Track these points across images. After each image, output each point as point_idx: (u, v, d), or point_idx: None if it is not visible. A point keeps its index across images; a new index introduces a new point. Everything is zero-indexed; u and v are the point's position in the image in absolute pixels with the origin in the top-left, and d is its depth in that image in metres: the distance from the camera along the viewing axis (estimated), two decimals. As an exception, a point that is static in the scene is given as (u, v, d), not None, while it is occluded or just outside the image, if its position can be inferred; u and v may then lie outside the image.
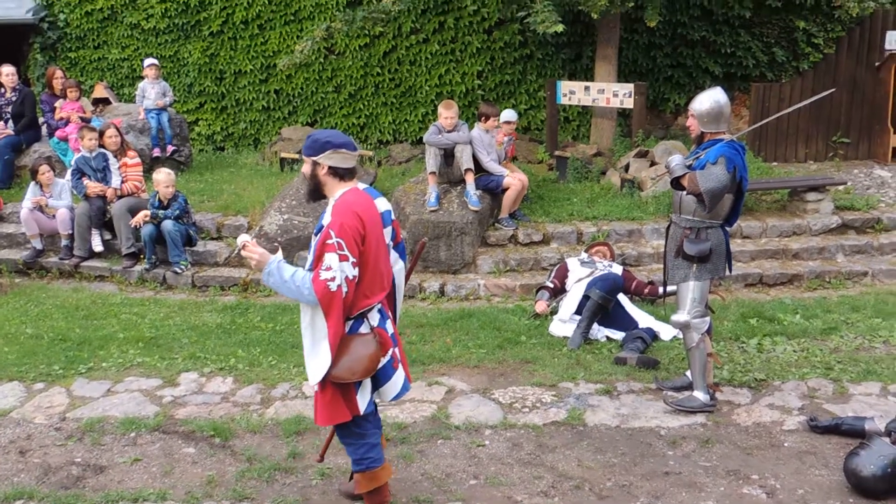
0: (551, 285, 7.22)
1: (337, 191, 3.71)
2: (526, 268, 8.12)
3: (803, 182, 9.19)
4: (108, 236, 8.60)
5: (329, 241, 3.49)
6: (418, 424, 5.14)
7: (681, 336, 5.55)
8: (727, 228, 5.29)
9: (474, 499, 4.30)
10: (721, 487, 4.38)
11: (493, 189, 8.52)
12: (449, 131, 8.25)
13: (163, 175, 8.11)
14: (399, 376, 3.87)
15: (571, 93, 10.76)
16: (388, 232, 3.83)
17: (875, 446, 4.26)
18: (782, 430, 5.00)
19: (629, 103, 10.28)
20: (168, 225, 7.97)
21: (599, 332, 6.62)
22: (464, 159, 8.22)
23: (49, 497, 4.34)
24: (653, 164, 9.57)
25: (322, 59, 12.56)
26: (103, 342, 6.58)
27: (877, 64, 11.14)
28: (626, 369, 5.92)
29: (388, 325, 3.85)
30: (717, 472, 4.53)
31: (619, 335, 6.54)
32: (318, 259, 3.52)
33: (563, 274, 7.28)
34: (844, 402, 5.34)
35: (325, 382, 3.66)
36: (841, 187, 9.45)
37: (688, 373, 5.48)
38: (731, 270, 5.39)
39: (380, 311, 3.79)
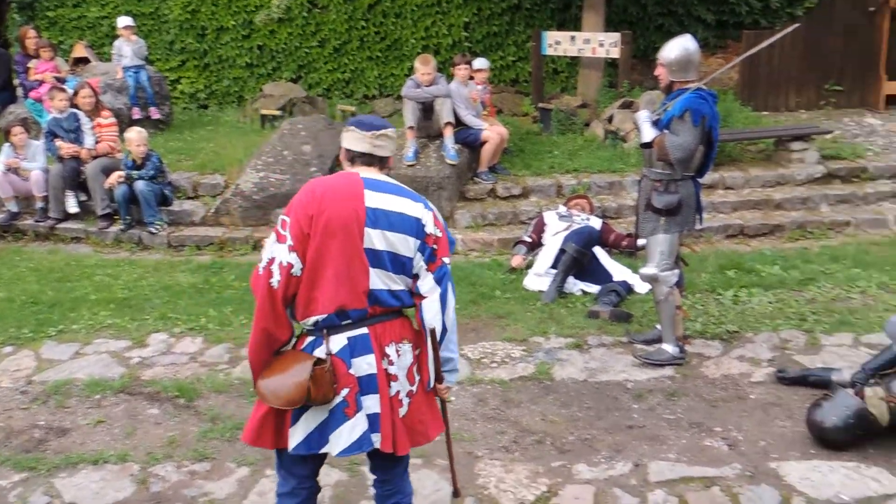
0: (529, 239, 7.14)
1: None
2: (504, 222, 8.03)
3: (788, 131, 9.04)
4: (83, 198, 8.50)
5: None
6: (384, 382, 5.10)
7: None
8: (698, 180, 5.18)
9: (435, 454, 4.24)
10: (683, 440, 4.34)
11: (471, 143, 8.39)
12: (427, 86, 8.10)
13: (134, 134, 7.97)
14: (351, 428, 2.90)
15: (557, 43, 10.57)
16: (401, 240, 2.91)
17: (838, 398, 4.20)
18: (750, 383, 4.95)
19: (615, 53, 10.10)
20: (140, 185, 7.86)
21: (575, 285, 6.55)
22: (444, 113, 8.08)
23: (10, 461, 4.31)
24: (637, 115, 9.42)
25: (305, 13, 12.33)
26: (75, 304, 6.51)
27: (871, 9, 10.89)
28: (598, 323, 5.86)
29: (368, 360, 2.92)
30: (680, 425, 4.49)
31: (594, 289, 6.47)
32: None
33: (540, 228, 7.18)
34: (815, 353, 5.28)
35: None
36: (828, 136, 9.28)
37: (659, 326, 5.42)
38: (701, 223, 5.30)
39: (355, 339, 2.92)
